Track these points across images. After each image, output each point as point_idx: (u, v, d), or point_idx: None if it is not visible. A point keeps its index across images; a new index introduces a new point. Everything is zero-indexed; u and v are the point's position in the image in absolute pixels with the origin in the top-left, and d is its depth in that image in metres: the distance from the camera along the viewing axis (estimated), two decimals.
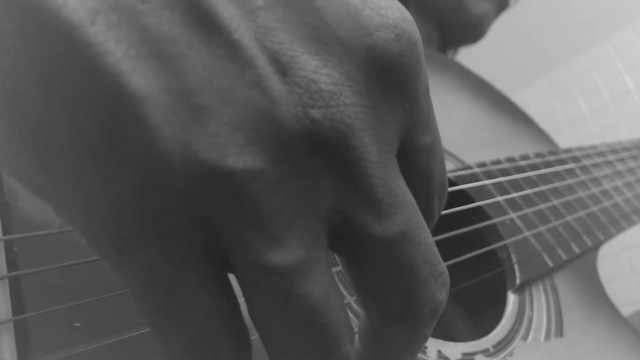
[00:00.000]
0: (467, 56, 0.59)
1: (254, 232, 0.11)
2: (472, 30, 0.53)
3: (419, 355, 0.24)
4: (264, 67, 0.11)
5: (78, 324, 0.17)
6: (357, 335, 0.17)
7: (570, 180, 0.40)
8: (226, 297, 0.12)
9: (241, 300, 0.13)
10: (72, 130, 0.11)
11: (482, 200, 0.33)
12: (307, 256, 0.12)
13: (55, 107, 0.10)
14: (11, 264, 0.17)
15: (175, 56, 0.11)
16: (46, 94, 0.10)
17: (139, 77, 0.10)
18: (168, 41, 0.11)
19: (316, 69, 0.12)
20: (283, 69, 0.12)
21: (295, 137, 0.12)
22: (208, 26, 0.11)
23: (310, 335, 0.12)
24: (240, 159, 0.11)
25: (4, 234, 0.17)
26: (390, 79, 0.13)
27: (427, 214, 0.16)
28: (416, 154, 0.15)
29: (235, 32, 0.11)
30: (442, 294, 0.14)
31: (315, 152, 0.12)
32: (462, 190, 0.33)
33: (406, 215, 0.13)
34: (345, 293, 0.23)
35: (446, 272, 0.15)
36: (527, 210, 0.35)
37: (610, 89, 1.33)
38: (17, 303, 0.16)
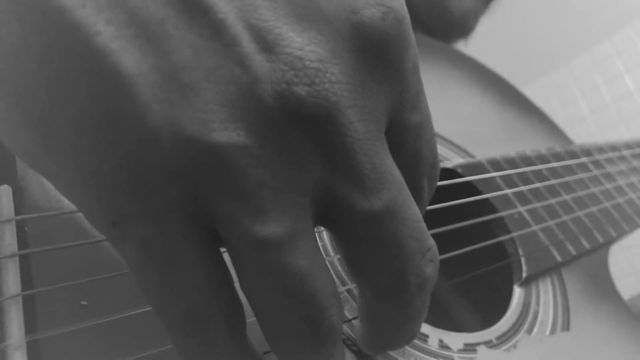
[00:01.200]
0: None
1: (240, 205, 0.12)
2: (457, 30, 0.53)
3: (420, 344, 0.24)
4: (248, 45, 0.12)
5: (85, 303, 0.18)
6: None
7: (582, 175, 0.40)
8: (219, 270, 0.13)
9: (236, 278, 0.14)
10: (68, 109, 0.11)
11: (490, 192, 0.33)
12: (292, 229, 0.12)
13: (52, 86, 0.11)
14: (22, 243, 0.18)
15: (162, 36, 0.11)
16: (43, 75, 0.11)
17: (128, 57, 0.11)
18: (155, 22, 0.11)
19: (302, 46, 0.12)
20: (268, 46, 0.12)
21: (279, 113, 0.12)
22: (194, 7, 0.11)
23: (297, 305, 0.13)
24: (225, 134, 0.11)
25: (17, 214, 0.18)
26: (376, 57, 0.14)
27: (414, 194, 0.16)
28: (404, 133, 0.15)
29: (220, 12, 0.12)
30: (430, 269, 0.15)
31: (300, 128, 0.12)
32: (469, 183, 0.33)
33: (392, 191, 0.14)
34: (339, 283, 0.24)
35: (434, 247, 0.15)
36: (536, 205, 0.35)
37: (611, 89, 1.32)
38: (27, 280, 0.17)
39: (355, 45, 0.13)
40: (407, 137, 0.15)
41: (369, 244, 0.14)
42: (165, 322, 0.13)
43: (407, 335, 0.16)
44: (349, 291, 0.24)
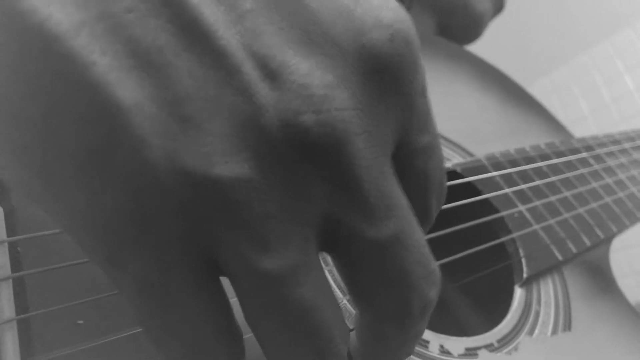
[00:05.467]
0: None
1: (244, 239, 0.12)
2: (472, 28, 0.52)
3: (422, 350, 0.24)
4: (251, 73, 0.11)
5: (81, 322, 0.18)
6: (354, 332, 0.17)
7: (583, 170, 0.40)
8: (218, 301, 0.13)
9: (235, 300, 0.13)
10: (62, 141, 0.11)
11: (490, 192, 0.33)
12: (298, 261, 0.12)
13: (45, 120, 0.11)
14: (15, 264, 0.18)
15: (161, 66, 0.11)
16: (36, 107, 0.11)
17: (125, 88, 0.10)
18: (154, 51, 0.11)
19: (308, 72, 0.12)
20: (272, 74, 0.11)
21: (284, 144, 0.12)
22: (194, 33, 0.11)
23: (303, 337, 0.13)
24: (227, 167, 0.11)
25: (9, 235, 0.18)
26: (385, 80, 0.13)
27: (424, 213, 0.16)
28: (413, 155, 0.15)
29: (222, 38, 0.11)
30: (432, 292, 0.14)
31: (307, 158, 0.12)
32: (469, 183, 0.32)
33: (400, 218, 0.13)
34: (339, 293, 0.24)
35: (437, 270, 0.15)
36: (537, 203, 0.34)
37: (611, 89, 1.32)
38: (21, 302, 0.17)
39: (362, 69, 0.13)
40: (416, 158, 0.15)
41: (375, 271, 0.14)
42: (163, 354, 0.13)
43: (404, 353, 0.16)
44: (349, 300, 0.23)
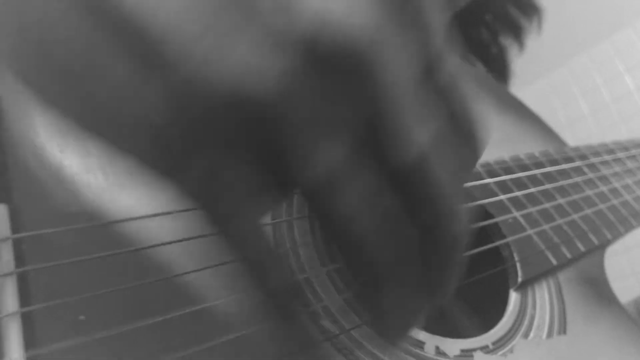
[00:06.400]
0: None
1: (287, 149, 0.13)
2: None
3: (417, 351, 0.25)
4: None
5: (83, 317, 0.18)
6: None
7: (578, 179, 0.40)
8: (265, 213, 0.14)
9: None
10: (114, 66, 0.12)
11: (485, 199, 0.33)
12: (344, 162, 0.13)
13: (94, 45, 0.11)
14: (19, 260, 0.18)
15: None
16: (85, 29, 0.11)
17: (164, 8, 0.11)
18: None
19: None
20: None
21: (316, 57, 0.12)
22: None
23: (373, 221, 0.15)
24: (263, 79, 0.12)
25: (14, 233, 0.19)
26: None
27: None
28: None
29: None
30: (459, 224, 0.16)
31: (338, 69, 0.12)
32: None
33: (436, 125, 0.15)
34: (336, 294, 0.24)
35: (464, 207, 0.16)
36: (531, 209, 0.35)
37: (611, 89, 1.32)
38: (25, 297, 0.17)
39: None
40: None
41: (416, 184, 0.15)
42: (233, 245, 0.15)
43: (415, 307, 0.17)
44: (345, 300, 0.24)
